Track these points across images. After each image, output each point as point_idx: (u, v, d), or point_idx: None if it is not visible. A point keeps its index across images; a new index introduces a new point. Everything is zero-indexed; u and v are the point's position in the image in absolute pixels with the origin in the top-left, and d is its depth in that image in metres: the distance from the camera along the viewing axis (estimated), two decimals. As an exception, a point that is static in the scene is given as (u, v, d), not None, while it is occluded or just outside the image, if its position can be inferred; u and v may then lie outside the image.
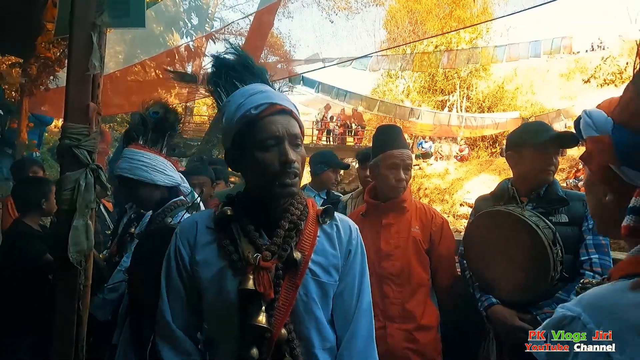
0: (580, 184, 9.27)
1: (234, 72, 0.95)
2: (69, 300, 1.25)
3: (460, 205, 12.04)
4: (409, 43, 16.69)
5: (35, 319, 1.91)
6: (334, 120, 17.03)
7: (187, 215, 1.50)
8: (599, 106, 0.65)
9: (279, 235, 0.89)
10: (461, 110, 17.50)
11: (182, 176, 1.72)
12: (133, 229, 1.76)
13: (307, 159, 1.52)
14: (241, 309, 0.86)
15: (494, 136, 17.31)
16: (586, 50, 17.06)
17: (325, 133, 17.03)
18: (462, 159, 15.51)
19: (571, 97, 18.02)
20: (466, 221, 6.28)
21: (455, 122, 15.63)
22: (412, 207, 1.79)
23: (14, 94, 5.25)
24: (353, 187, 3.66)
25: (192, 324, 0.95)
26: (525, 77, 19.87)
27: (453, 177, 13.79)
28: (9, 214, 3.06)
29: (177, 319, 0.93)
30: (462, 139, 16.31)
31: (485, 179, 12.46)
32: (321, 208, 0.98)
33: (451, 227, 1.87)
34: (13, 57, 5.09)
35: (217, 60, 0.97)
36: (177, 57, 5.92)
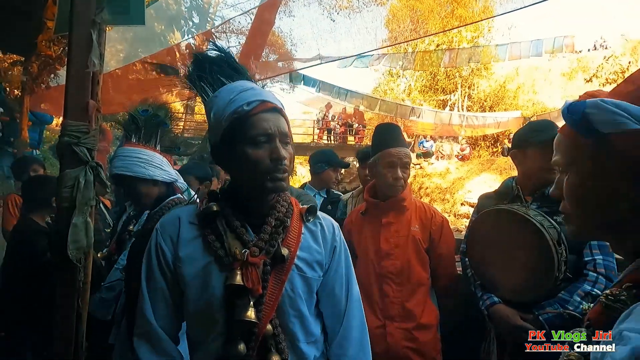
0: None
1: (218, 68, 0.94)
2: (68, 297, 1.25)
3: (461, 204, 12.02)
4: (410, 41, 16.67)
5: (35, 319, 1.91)
6: (335, 119, 17.02)
7: None
8: (607, 96, 0.57)
9: (266, 232, 0.90)
10: (462, 109, 17.42)
11: (177, 173, 1.71)
12: (132, 227, 1.75)
13: (308, 158, 1.52)
14: (227, 304, 0.86)
15: (495, 135, 17.26)
16: (588, 50, 16.93)
17: (326, 132, 17.03)
18: (463, 158, 15.48)
19: (573, 97, 17.79)
20: (467, 220, 6.27)
21: (456, 121, 15.59)
22: (412, 206, 1.78)
23: (15, 92, 5.26)
24: (354, 186, 3.66)
25: (174, 323, 0.94)
26: (527, 76, 19.81)
27: (454, 177, 13.76)
28: (9, 212, 3.07)
29: (158, 318, 0.91)
30: (463, 138, 16.25)
31: (486, 179, 12.44)
32: (304, 207, 0.99)
33: (452, 227, 1.87)
34: (14, 55, 5.11)
35: (201, 54, 0.96)
36: (178, 55, 5.92)
